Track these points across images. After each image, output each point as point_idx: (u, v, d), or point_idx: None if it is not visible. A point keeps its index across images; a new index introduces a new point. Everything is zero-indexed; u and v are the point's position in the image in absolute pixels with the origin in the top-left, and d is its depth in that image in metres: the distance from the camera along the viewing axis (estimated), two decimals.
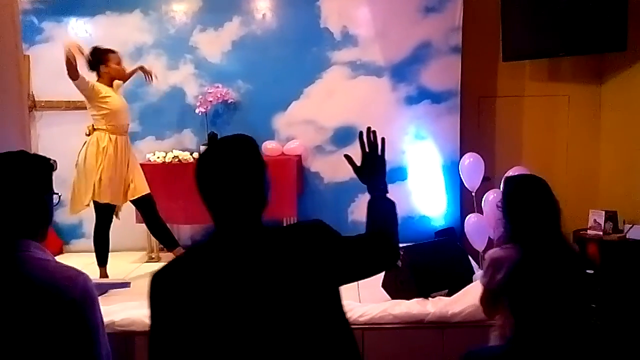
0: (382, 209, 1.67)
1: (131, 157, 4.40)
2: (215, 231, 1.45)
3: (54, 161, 1.65)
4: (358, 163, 1.74)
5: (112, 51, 4.29)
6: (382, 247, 1.60)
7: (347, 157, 1.76)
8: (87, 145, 4.21)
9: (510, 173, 4.26)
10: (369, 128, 1.74)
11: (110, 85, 4.27)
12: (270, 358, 1.35)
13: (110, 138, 4.19)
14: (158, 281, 1.41)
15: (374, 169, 1.72)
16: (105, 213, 4.22)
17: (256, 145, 1.49)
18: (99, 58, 4.22)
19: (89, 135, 4.25)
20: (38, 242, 1.58)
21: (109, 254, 4.33)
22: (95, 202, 4.16)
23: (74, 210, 4.25)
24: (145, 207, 4.43)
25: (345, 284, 1.51)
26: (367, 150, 1.73)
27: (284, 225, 1.53)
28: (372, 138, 1.73)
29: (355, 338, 1.50)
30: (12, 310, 1.45)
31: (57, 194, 1.65)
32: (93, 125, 4.24)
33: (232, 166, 1.42)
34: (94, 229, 4.28)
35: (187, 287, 1.37)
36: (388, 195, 1.71)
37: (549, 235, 2.21)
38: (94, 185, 4.10)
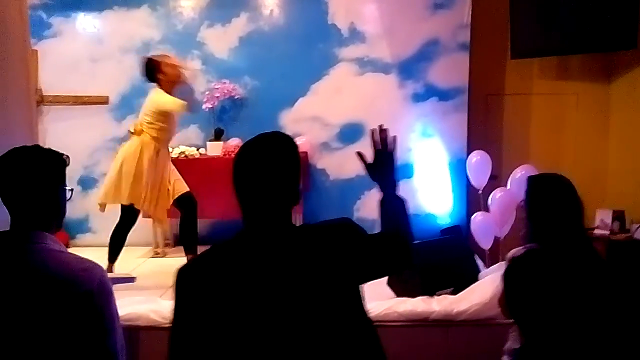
0: (394, 207, 1.66)
1: (169, 162, 4.36)
2: (243, 227, 1.45)
3: (67, 156, 1.67)
4: (369, 160, 1.73)
5: (164, 55, 4.21)
6: (398, 246, 1.59)
7: (359, 154, 1.75)
8: (134, 146, 4.14)
9: (518, 172, 4.25)
10: (380, 126, 1.72)
11: (172, 92, 4.10)
12: (293, 357, 1.35)
13: (155, 146, 4.14)
14: (183, 275, 1.42)
15: (385, 166, 1.70)
16: (131, 215, 4.19)
17: (293, 143, 1.50)
18: (152, 66, 4.12)
19: (133, 133, 4.19)
20: (52, 234, 1.59)
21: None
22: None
23: (105, 200, 4.22)
24: (186, 206, 4.33)
25: (365, 282, 1.51)
26: (378, 147, 1.72)
27: (312, 224, 1.51)
28: (383, 136, 1.72)
29: (378, 337, 1.49)
30: (29, 301, 1.46)
31: (71, 189, 1.69)
32: (142, 128, 4.16)
33: (269, 162, 1.43)
34: (115, 227, 4.23)
35: (212, 283, 1.37)
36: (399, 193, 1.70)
37: (572, 238, 2.16)
38: (132, 188, 4.07)
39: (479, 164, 4.67)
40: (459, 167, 5.14)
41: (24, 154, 1.60)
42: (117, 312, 1.58)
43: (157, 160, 4.14)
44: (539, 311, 1.74)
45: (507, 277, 1.88)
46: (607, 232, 4.63)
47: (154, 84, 4.14)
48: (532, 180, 2.34)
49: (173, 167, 4.41)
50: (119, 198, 4.13)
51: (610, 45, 4.78)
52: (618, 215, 4.66)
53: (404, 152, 5.20)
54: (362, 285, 1.49)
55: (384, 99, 5.26)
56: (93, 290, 1.49)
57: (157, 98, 4.08)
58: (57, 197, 1.62)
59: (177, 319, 1.40)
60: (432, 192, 5.27)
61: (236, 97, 5.24)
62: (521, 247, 2.27)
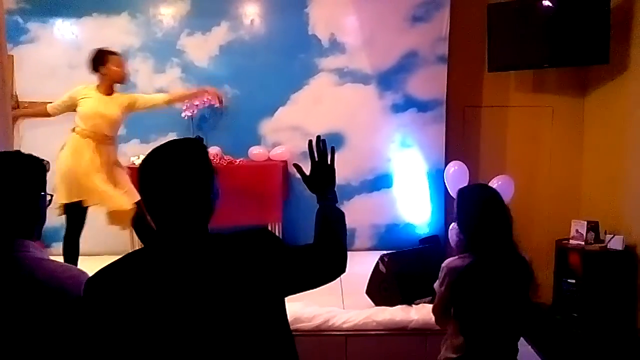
0: (331, 219, 1.64)
1: (117, 170, 4.28)
2: (156, 236, 1.40)
3: (47, 162, 1.65)
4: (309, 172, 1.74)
5: (113, 52, 4.19)
6: (330, 257, 1.57)
7: (297, 167, 1.75)
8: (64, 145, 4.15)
9: (494, 182, 4.31)
10: (318, 137, 1.72)
11: (110, 91, 4.18)
12: None
13: (87, 142, 4.09)
14: (92, 286, 1.37)
15: (324, 178, 1.70)
16: (75, 215, 4.11)
17: (205, 150, 1.45)
18: (99, 59, 4.14)
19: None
20: (34, 242, 1.57)
21: (89, 257, 4.25)
22: (66, 205, 4.03)
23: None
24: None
25: (291, 294, 1.48)
26: (316, 159, 1.71)
27: (228, 233, 1.47)
28: (321, 147, 1.71)
29: (296, 351, 1.46)
30: (17, 310, 1.44)
31: (51, 195, 1.66)
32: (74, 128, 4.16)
33: (176, 170, 1.36)
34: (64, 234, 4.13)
35: (122, 293, 1.32)
36: (337, 205, 1.70)
37: (500, 244, 2.20)
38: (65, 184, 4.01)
39: (456, 175, 4.72)
40: (437, 178, 5.20)
41: (4, 160, 1.58)
42: None
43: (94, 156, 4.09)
44: (481, 313, 2.12)
45: (453, 288, 2.15)
46: (582, 243, 4.70)
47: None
48: (460, 192, 2.39)
49: (127, 177, 4.32)
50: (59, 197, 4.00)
51: (584, 59, 4.90)
52: (592, 226, 4.74)
53: (383, 162, 5.25)
54: (285, 296, 1.46)
55: (364, 110, 5.30)
56: (80, 297, 1.47)
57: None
58: (38, 204, 1.60)
59: (87, 332, 1.35)
60: (410, 201, 5.32)
61: (216, 106, 5.22)
62: (455, 258, 2.32)
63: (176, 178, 1.36)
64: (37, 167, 1.62)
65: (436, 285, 2.38)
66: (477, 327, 2.15)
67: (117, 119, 4.23)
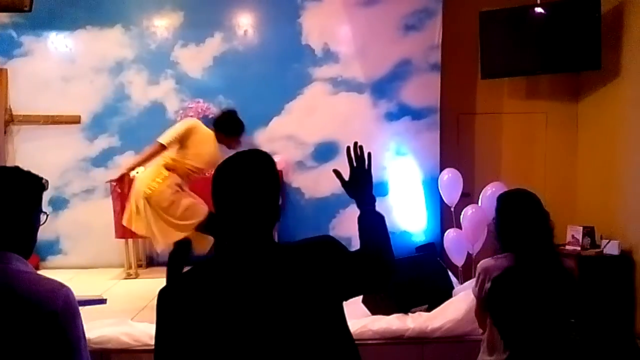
0: (373, 223, 1.67)
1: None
2: (225, 246, 1.44)
3: (46, 181, 1.65)
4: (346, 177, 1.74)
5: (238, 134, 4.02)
6: (379, 263, 1.59)
7: (336, 172, 1.76)
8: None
9: (488, 189, 4.31)
10: (355, 143, 1.74)
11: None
12: None
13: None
14: (165, 296, 1.41)
15: (362, 183, 1.72)
16: None
17: (272, 160, 1.50)
18: (232, 131, 3.98)
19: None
20: (22, 257, 1.56)
21: (84, 270, 4.24)
22: None
23: None
24: None
25: (348, 299, 1.51)
26: (354, 164, 1.73)
27: (294, 242, 1.50)
28: (358, 152, 1.73)
29: (359, 354, 1.49)
30: None
31: (46, 213, 1.65)
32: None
33: (248, 178, 1.42)
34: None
35: (194, 303, 1.36)
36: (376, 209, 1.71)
37: (541, 249, 2.20)
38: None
39: (450, 182, 4.73)
40: (431, 185, 5.20)
41: (2, 175, 1.58)
42: (83, 334, 1.55)
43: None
44: (522, 323, 1.92)
45: (491, 295, 2.03)
46: (578, 248, 4.71)
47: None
48: (502, 197, 2.39)
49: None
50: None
51: (576, 66, 4.93)
52: (588, 231, 4.75)
53: (378, 170, 5.23)
54: (343, 301, 1.49)
55: (358, 118, 5.32)
56: (57, 311, 1.46)
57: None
58: (31, 221, 1.60)
59: (160, 340, 1.38)
60: (406, 209, 5.32)
61: (210, 117, 5.21)
62: (490, 258, 2.32)
63: (250, 187, 1.42)
64: (34, 185, 1.61)
65: (473, 286, 2.37)
66: (519, 334, 2.07)
67: None
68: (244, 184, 1.42)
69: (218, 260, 1.45)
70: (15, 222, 1.56)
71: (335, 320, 1.45)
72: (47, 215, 1.66)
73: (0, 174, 1.58)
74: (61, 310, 1.47)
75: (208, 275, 1.42)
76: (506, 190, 2.67)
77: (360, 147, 1.73)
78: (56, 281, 1.55)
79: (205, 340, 1.34)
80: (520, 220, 2.24)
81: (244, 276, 1.38)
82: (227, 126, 3.97)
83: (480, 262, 2.38)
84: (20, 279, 1.50)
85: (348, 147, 1.73)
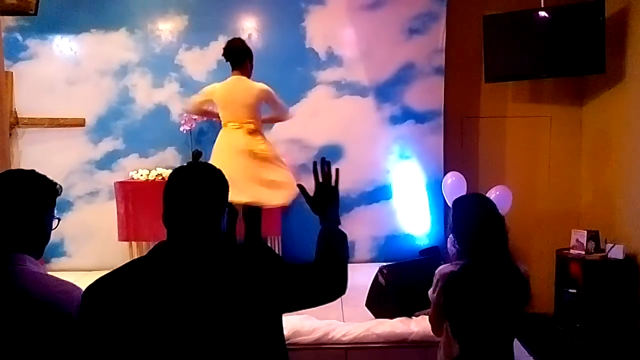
0: (333, 241, 1.66)
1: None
2: (158, 247, 1.45)
3: (60, 186, 1.68)
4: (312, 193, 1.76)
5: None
6: (330, 278, 1.58)
7: (300, 187, 1.77)
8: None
9: (492, 192, 4.31)
10: (323, 158, 1.75)
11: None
12: None
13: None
14: (90, 294, 1.40)
15: (327, 199, 1.72)
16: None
17: (219, 174, 1.54)
18: (246, 51, 4.21)
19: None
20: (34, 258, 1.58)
21: (90, 272, 4.25)
22: None
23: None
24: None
25: (289, 311, 1.50)
26: (320, 180, 1.73)
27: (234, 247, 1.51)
28: (326, 169, 1.73)
29: None
30: (8, 322, 1.45)
31: (58, 218, 1.68)
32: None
33: (194, 187, 1.47)
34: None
35: (120, 301, 1.34)
36: (340, 227, 1.72)
37: (495, 253, 2.19)
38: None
39: (454, 185, 4.73)
40: (435, 188, 5.20)
41: (18, 177, 1.61)
42: None
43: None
44: (474, 320, 2.03)
45: (446, 292, 2.08)
46: (583, 252, 4.69)
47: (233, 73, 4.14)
48: (455, 201, 2.40)
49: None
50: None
51: (580, 69, 4.93)
52: (593, 236, 4.74)
53: (382, 173, 5.25)
54: (283, 313, 1.48)
55: (362, 121, 5.32)
56: (72, 313, 1.47)
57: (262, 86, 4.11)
58: (44, 224, 1.63)
59: (83, 337, 1.37)
60: (410, 212, 5.31)
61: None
62: (449, 264, 2.32)
63: (193, 192, 1.48)
64: (48, 189, 1.64)
65: (430, 292, 2.39)
66: (470, 333, 2.13)
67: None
68: (189, 189, 1.47)
69: (149, 260, 1.44)
70: (30, 225, 1.59)
71: (265, 331, 1.42)
72: (59, 220, 1.69)
73: (17, 177, 1.62)
74: (75, 312, 1.48)
75: (138, 273, 1.41)
76: (460, 195, 2.68)
77: (328, 162, 1.74)
78: (69, 283, 1.58)
79: (129, 339, 1.32)
80: (475, 224, 2.24)
81: (172, 276, 1.36)
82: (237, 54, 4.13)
83: (439, 268, 2.39)
84: (35, 280, 1.52)
85: (315, 163, 1.75)
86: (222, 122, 4.19)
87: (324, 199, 1.72)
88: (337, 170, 1.74)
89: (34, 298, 1.47)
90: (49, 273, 1.65)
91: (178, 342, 1.31)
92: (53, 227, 1.67)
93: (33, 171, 1.66)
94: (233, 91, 4.11)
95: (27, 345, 1.44)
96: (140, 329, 1.32)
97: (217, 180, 1.51)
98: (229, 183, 1.54)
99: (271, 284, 1.42)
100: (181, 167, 1.53)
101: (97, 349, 1.34)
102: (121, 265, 1.46)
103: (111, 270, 1.47)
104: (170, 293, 1.34)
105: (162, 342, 1.31)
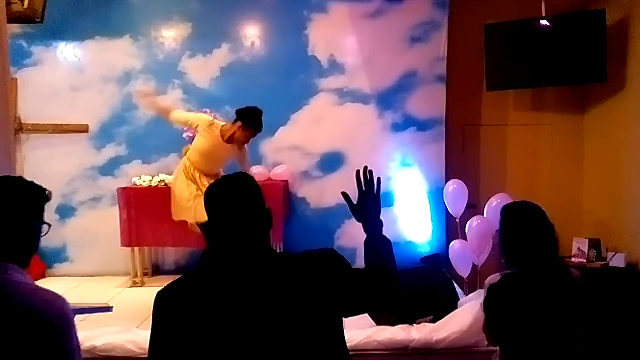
0: (380, 248, 1.65)
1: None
2: (221, 254, 1.47)
3: (50, 192, 1.65)
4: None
5: (255, 130, 4.42)
6: (385, 284, 1.58)
7: (345, 195, 1.74)
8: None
9: (494, 200, 4.32)
10: (365, 167, 1.73)
11: (229, 141, 4.39)
12: None
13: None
14: (163, 298, 1.44)
15: (370, 207, 1.70)
16: None
17: (253, 180, 1.60)
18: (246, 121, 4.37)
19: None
20: (20, 267, 1.56)
21: (92, 278, 4.28)
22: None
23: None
24: None
25: (350, 316, 1.51)
26: (363, 189, 1.72)
27: (298, 252, 1.53)
28: (368, 177, 1.72)
29: None
30: None
31: (48, 224, 1.65)
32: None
33: (232, 194, 1.52)
34: None
35: (192, 306, 1.39)
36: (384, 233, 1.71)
37: (546, 262, 2.18)
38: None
39: (456, 193, 4.74)
40: (437, 196, 5.21)
41: (2, 185, 1.58)
42: (78, 345, 1.56)
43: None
44: (520, 334, 1.82)
45: (487, 304, 1.95)
46: (584, 260, 4.70)
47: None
48: (506, 209, 2.38)
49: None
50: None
51: (582, 78, 4.94)
52: (594, 244, 4.74)
53: (384, 181, 5.22)
54: (343, 318, 1.49)
55: (364, 129, 5.34)
56: (52, 322, 1.47)
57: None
58: (31, 232, 1.60)
59: (155, 342, 1.41)
60: (412, 220, 5.32)
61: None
62: (497, 274, 2.30)
63: (235, 201, 1.51)
64: (36, 196, 1.61)
65: (481, 303, 2.35)
66: (516, 345, 1.98)
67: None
68: (231, 199, 1.50)
69: (214, 267, 1.46)
70: (15, 233, 1.56)
71: (331, 336, 1.44)
72: (50, 227, 1.66)
73: (1, 184, 1.59)
74: (55, 321, 1.48)
75: (207, 280, 1.44)
76: (511, 202, 2.65)
77: (370, 171, 1.72)
78: (51, 292, 1.56)
79: (199, 345, 1.35)
80: (527, 234, 2.21)
81: (241, 284, 1.39)
82: (252, 118, 4.34)
83: (488, 278, 2.36)
84: (17, 290, 1.51)
85: (358, 171, 1.72)
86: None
87: (367, 207, 1.70)
88: (379, 178, 1.73)
89: (16, 307, 1.46)
90: (47, 279, 1.63)
91: (245, 347, 1.35)
92: (43, 234, 1.64)
93: (20, 178, 1.64)
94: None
95: (7, 354, 1.44)
96: (209, 334, 1.36)
97: (251, 185, 1.57)
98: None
99: (338, 289, 1.45)
100: (219, 181, 1.60)
101: (168, 352, 1.38)
102: (187, 272, 1.51)
103: (182, 275, 1.52)
104: (236, 299, 1.38)
105: (230, 346, 1.35)
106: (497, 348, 2.33)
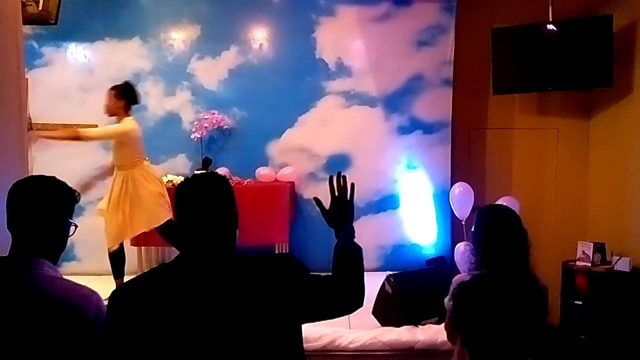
0: (349, 254, 1.67)
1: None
2: (181, 255, 1.47)
3: (79, 194, 1.73)
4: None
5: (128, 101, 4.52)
6: (347, 291, 1.59)
7: (316, 200, 1.79)
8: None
9: (499, 203, 4.33)
10: (339, 173, 1.77)
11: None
12: None
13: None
14: (117, 298, 1.42)
15: (343, 213, 1.74)
16: None
17: (225, 181, 1.56)
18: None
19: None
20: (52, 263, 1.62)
21: (100, 277, 4.33)
22: None
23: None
24: None
25: (307, 322, 1.51)
26: (335, 195, 1.75)
27: (254, 255, 1.52)
28: (341, 183, 1.75)
29: None
30: (27, 325, 1.48)
31: (75, 225, 1.71)
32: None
33: (205, 198, 1.48)
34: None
35: (145, 306, 1.37)
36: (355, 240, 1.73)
37: (516, 267, 2.19)
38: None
39: (462, 195, 4.76)
40: (442, 199, 5.23)
41: (39, 184, 1.65)
42: None
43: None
44: (484, 333, 1.94)
45: (456, 302, 2.03)
46: (589, 264, 4.70)
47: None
48: (482, 212, 2.41)
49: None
50: None
51: (588, 82, 4.96)
52: (599, 248, 4.75)
53: (390, 183, 5.29)
54: (302, 324, 1.48)
55: (370, 131, 5.37)
56: (90, 317, 1.51)
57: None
58: (62, 230, 1.66)
59: (107, 340, 1.39)
60: (417, 222, 5.34)
61: (225, 128, 5.31)
62: (466, 273, 2.33)
63: (205, 203, 1.47)
64: (68, 196, 1.69)
65: (446, 300, 2.39)
66: (480, 344, 2.09)
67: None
68: (201, 201, 1.47)
69: (174, 267, 1.46)
70: (49, 230, 1.63)
71: (285, 341, 1.42)
72: (76, 227, 1.72)
73: (39, 183, 1.65)
74: (93, 316, 1.52)
75: (162, 280, 1.43)
76: (487, 205, 2.69)
77: (344, 177, 1.76)
78: (86, 287, 1.60)
79: (152, 345, 1.33)
80: (501, 237, 2.25)
81: (197, 284, 1.38)
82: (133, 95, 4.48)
83: (456, 277, 2.40)
84: (53, 284, 1.55)
85: (331, 177, 1.76)
86: (139, 158, 4.58)
87: (340, 212, 1.74)
88: (352, 184, 1.76)
89: (53, 302, 1.50)
90: (66, 277, 1.68)
91: (199, 349, 1.34)
92: (70, 234, 1.70)
93: (54, 178, 1.70)
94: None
95: (45, 348, 1.47)
96: (163, 334, 1.34)
97: (224, 187, 1.53)
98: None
99: (294, 294, 1.44)
100: (191, 178, 1.56)
101: (119, 352, 1.37)
102: (146, 271, 1.50)
103: (137, 275, 1.51)
104: (193, 300, 1.37)
105: (183, 348, 1.34)
106: (455, 347, 2.37)
